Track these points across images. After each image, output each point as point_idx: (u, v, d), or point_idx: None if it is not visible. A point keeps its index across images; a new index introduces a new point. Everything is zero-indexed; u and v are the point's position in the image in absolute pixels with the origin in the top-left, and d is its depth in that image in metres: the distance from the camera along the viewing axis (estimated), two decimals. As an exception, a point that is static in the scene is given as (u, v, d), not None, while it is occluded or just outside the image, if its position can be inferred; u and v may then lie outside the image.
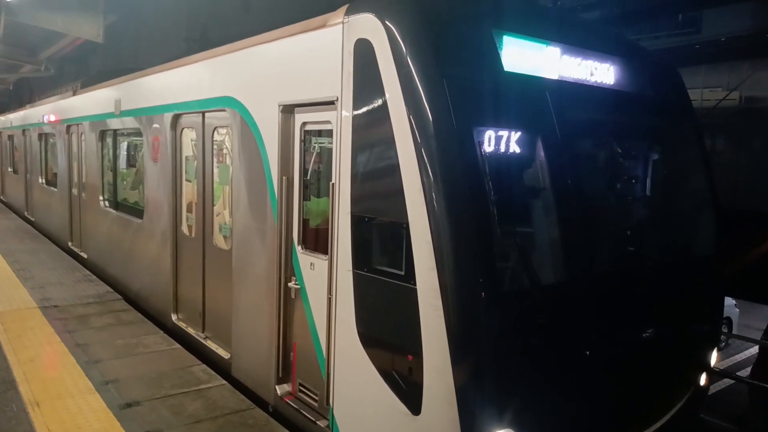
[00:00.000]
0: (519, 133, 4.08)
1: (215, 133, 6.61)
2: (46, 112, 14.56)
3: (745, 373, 11.18)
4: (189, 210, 7.41)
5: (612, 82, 4.95)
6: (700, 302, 5.59)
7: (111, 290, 9.39)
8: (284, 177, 5.18)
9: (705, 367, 5.65)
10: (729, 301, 13.59)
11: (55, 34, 17.59)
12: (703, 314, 5.69)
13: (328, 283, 4.59)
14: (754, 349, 11.83)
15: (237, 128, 5.91)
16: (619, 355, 4.59)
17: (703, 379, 5.62)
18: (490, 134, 3.91)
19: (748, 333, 13.89)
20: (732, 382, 10.31)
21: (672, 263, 5.40)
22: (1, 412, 5.10)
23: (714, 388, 9.66)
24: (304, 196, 5.17)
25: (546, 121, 4.35)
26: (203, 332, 7.02)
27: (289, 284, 5.23)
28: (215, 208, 6.82)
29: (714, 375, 6.53)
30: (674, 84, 5.82)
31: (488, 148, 3.90)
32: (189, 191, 7.40)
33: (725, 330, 13.87)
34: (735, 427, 8.16)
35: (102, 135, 10.49)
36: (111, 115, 9.80)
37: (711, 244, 5.81)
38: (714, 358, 5.77)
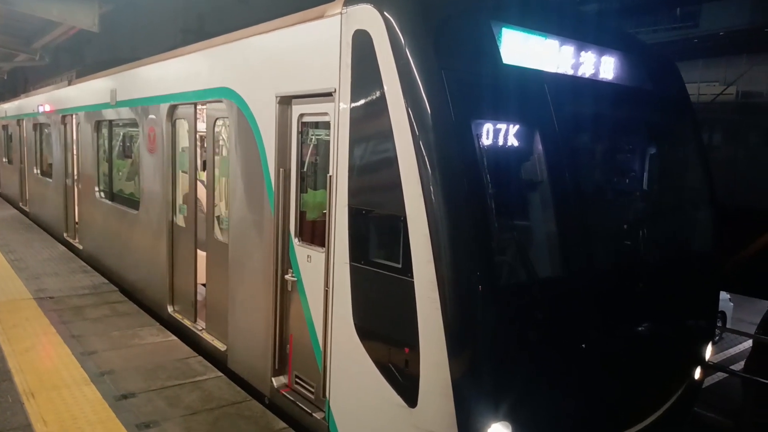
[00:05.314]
0: (517, 126, 4.08)
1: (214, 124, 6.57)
2: (41, 101, 14.46)
3: (738, 367, 11.24)
4: (185, 201, 7.39)
5: (611, 76, 4.94)
6: (695, 297, 5.60)
7: (106, 281, 9.37)
8: (281, 169, 5.16)
9: (700, 361, 5.67)
10: (723, 296, 13.62)
11: (50, 23, 17.42)
12: (698, 309, 5.71)
13: (325, 276, 4.59)
14: (748, 343, 11.89)
15: (234, 119, 5.87)
16: (614, 349, 4.59)
17: (697, 373, 5.65)
18: (488, 127, 3.91)
19: (741, 327, 13.93)
20: (726, 375, 10.37)
21: (668, 258, 5.41)
22: (-4, 403, 5.10)
23: (708, 382, 9.70)
24: (301, 189, 5.15)
25: (544, 114, 4.33)
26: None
27: (286, 276, 5.22)
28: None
29: (708, 369, 6.56)
30: (672, 78, 5.81)
31: (486, 141, 3.89)
32: (184, 182, 7.37)
33: (719, 324, 13.91)
34: (729, 421, 8.20)
35: (97, 125, 10.43)
36: (107, 105, 9.73)
37: (707, 238, 5.82)
38: (708, 352, 5.79)
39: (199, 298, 7.11)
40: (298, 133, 5.11)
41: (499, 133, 3.96)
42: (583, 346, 4.28)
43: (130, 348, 6.53)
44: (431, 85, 3.75)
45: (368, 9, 4.09)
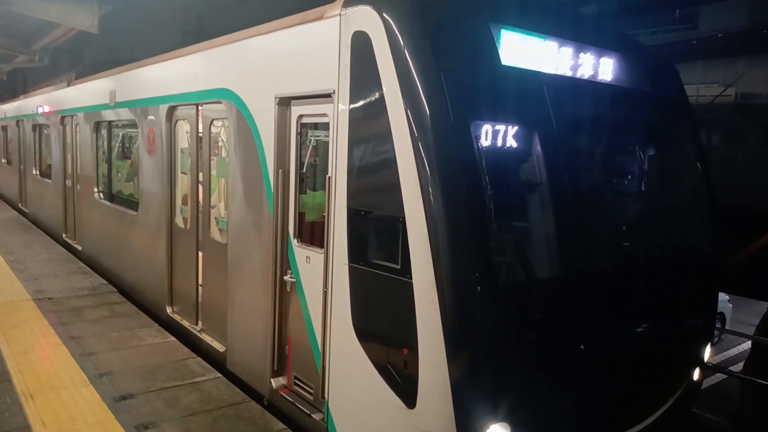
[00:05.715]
0: (516, 128, 4.08)
1: (211, 125, 6.58)
2: (40, 103, 14.45)
3: (737, 368, 11.24)
4: (184, 203, 7.39)
5: (610, 78, 4.94)
6: (694, 298, 5.60)
7: (105, 282, 9.36)
8: (280, 170, 5.16)
9: (698, 362, 5.67)
10: (722, 297, 13.63)
11: (49, 24, 17.43)
12: (697, 310, 5.71)
13: (324, 277, 4.59)
14: (747, 345, 11.90)
15: (233, 120, 5.87)
16: (613, 350, 4.60)
17: (696, 374, 5.65)
18: (487, 128, 3.91)
19: (740, 328, 13.92)
20: (725, 377, 10.37)
21: (667, 259, 5.41)
22: (-5, 404, 5.09)
23: (707, 383, 9.71)
24: (301, 190, 5.15)
25: (543, 115, 4.34)
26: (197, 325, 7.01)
27: (285, 277, 5.22)
28: (210, 200, 6.80)
29: (707, 370, 6.56)
30: (671, 80, 5.81)
31: (485, 142, 3.89)
32: (184, 184, 7.37)
33: (718, 325, 13.90)
34: (727, 422, 8.21)
35: (97, 126, 10.43)
36: (106, 106, 9.73)
37: (706, 239, 5.82)
38: (707, 353, 5.79)
39: (200, 299, 7.10)
40: (297, 134, 5.11)
41: (497, 135, 3.96)
42: (582, 346, 4.28)
43: (129, 349, 6.53)
44: (430, 86, 3.75)
45: (367, 10, 4.10)
